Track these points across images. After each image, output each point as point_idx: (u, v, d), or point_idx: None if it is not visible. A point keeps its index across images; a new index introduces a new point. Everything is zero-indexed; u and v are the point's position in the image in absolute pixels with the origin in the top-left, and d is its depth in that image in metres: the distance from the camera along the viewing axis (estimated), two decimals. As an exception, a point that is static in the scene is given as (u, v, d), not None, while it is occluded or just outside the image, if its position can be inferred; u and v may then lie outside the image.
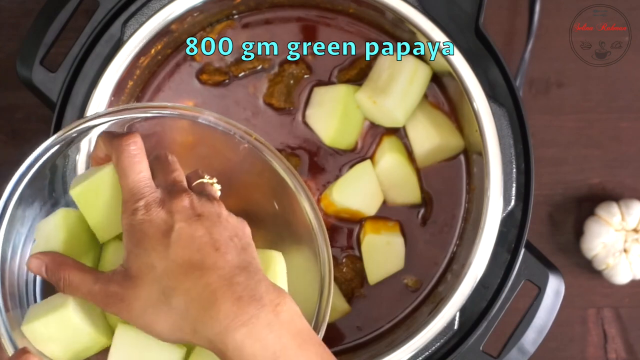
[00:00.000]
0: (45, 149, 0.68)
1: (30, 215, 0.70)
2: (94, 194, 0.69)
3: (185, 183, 0.69)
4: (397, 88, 0.84)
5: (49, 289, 0.69)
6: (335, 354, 0.86)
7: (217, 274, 0.64)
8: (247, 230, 0.68)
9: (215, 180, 0.71)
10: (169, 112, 0.69)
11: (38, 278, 0.72)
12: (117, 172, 0.68)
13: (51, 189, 0.72)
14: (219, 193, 0.70)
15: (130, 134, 0.68)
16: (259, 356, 0.63)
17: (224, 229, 0.66)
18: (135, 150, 0.68)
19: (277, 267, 0.70)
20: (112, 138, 0.68)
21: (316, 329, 0.70)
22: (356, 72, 0.87)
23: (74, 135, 0.68)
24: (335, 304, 0.85)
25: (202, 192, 0.68)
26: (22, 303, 0.71)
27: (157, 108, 0.69)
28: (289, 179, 0.70)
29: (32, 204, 0.70)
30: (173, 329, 0.65)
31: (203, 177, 0.70)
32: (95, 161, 0.71)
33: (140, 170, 0.68)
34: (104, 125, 0.69)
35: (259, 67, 0.87)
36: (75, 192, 0.68)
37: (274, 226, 0.74)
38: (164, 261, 0.65)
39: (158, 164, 0.70)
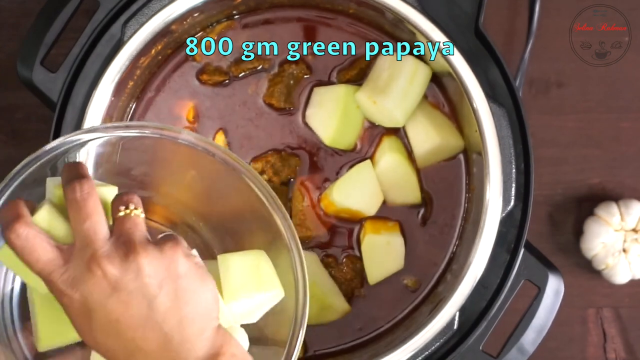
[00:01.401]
0: (10, 177, 0.66)
1: None
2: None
3: (98, 235, 0.62)
4: (397, 88, 0.84)
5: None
6: (335, 353, 0.87)
7: (143, 357, 0.61)
8: (175, 265, 0.62)
9: (133, 207, 0.64)
10: (149, 132, 0.69)
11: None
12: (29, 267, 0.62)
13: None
14: (141, 218, 0.64)
15: (21, 221, 0.61)
16: None
17: (144, 295, 0.61)
18: (29, 234, 0.61)
19: (262, 265, 0.71)
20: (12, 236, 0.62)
21: (295, 332, 0.69)
22: (356, 72, 0.87)
23: (43, 159, 0.66)
24: (335, 303, 0.85)
25: (120, 236, 0.62)
26: None
27: (137, 128, 0.69)
28: (265, 199, 0.71)
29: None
30: None
31: (126, 205, 0.64)
32: None
33: (39, 256, 0.61)
34: (81, 144, 0.68)
35: (259, 67, 0.87)
36: (1, 254, 0.64)
37: (262, 233, 0.74)
38: (94, 345, 0.62)
39: (69, 208, 0.63)
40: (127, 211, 0.63)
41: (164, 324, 0.61)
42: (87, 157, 0.71)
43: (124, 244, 0.62)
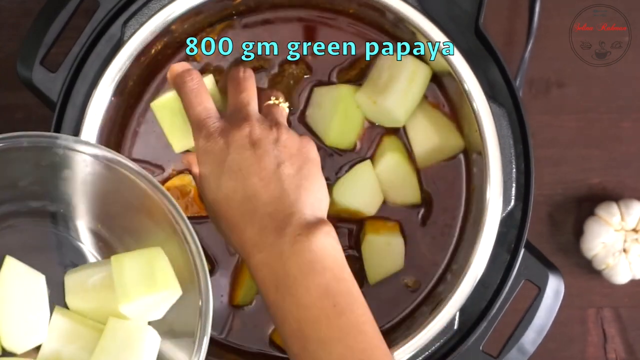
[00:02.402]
0: None
1: None
2: (169, 111, 0.77)
3: (251, 105, 0.75)
4: (397, 88, 0.84)
5: None
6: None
7: (254, 205, 0.71)
8: (307, 150, 0.74)
9: (281, 100, 0.78)
10: (26, 143, 0.72)
11: None
12: (187, 114, 0.76)
13: None
14: (286, 111, 0.78)
15: (187, 71, 0.76)
16: (266, 280, 0.70)
17: (276, 157, 0.72)
18: (193, 85, 0.75)
19: (156, 263, 0.73)
20: (173, 77, 0.76)
21: (202, 323, 0.71)
22: (356, 72, 0.87)
23: None
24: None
25: (268, 115, 0.75)
26: None
27: (10, 139, 0.71)
28: (150, 190, 0.73)
29: None
30: (227, 242, 0.76)
31: (271, 99, 0.77)
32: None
33: (200, 102, 0.75)
34: None
35: (259, 67, 0.87)
36: (154, 104, 0.78)
37: (158, 228, 0.76)
38: (214, 192, 0.73)
39: (230, 83, 0.77)
40: (277, 101, 0.78)
41: (284, 182, 0.72)
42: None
43: (271, 119, 0.75)
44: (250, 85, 0.76)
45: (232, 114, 0.75)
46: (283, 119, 0.76)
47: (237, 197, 0.72)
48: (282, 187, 0.72)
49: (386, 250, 0.85)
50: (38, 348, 0.74)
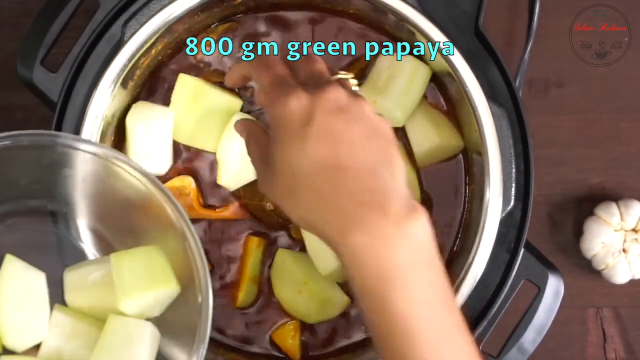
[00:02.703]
0: None
1: None
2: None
3: (328, 74, 0.69)
4: (396, 88, 0.84)
5: None
6: (336, 353, 0.87)
7: (347, 175, 0.64)
8: (389, 130, 0.67)
9: (351, 75, 0.72)
10: (27, 141, 0.72)
11: None
12: (258, 81, 0.70)
13: None
14: (356, 89, 0.71)
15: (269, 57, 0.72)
16: (367, 266, 0.62)
17: (364, 126, 0.66)
18: (275, 59, 0.70)
19: (154, 261, 0.73)
20: (251, 62, 0.72)
21: (202, 319, 0.70)
22: (356, 72, 0.87)
23: None
24: (333, 296, 0.85)
25: (345, 86, 0.68)
26: None
27: (10, 138, 0.71)
28: (149, 186, 0.72)
29: None
30: (302, 217, 0.66)
31: (340, 73, 0.71)
32: (229, 82, 0.76)
33: (281, 69, 0.69)
34: None
35: (259, 67, 0.87)
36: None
37: (157, 225, 0.75)
38: (299, 157, 0.65)
39: (301, 61, 0.71)
40: (346, 76, 0.72)
41: (376, 155, 0.65)
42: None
43: (350, 90, 0.68)
44: (320, 58, 0.71)
45: (309, 80, 0.68)
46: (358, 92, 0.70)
47: (327, 165, 0.64)
48: (376, 160, 0.65)
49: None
50: (39, 346, 0.74)
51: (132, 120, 0.83)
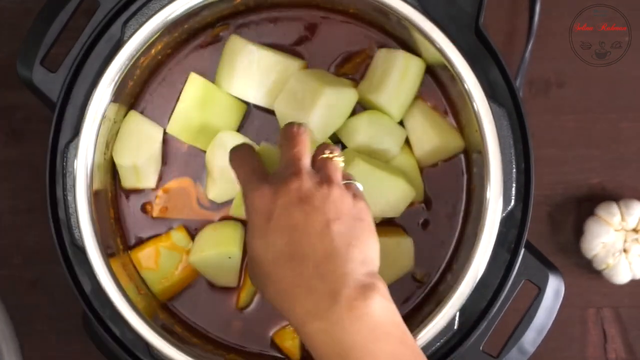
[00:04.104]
0: None
1: None
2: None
3: (302, 160, 0.71)
4: (390, 84, 0.84)
5: None
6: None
7: (302, 265, 0.67)
8: (359, 210, 0.70)
9: (336, 154, 0.73)
10: None
11: None
12: (235, 176, 0.75)
13: None
14: (341, 166, 0.73)
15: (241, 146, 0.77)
16: (326, 349, 0.66)
17: (326, 214, 0.68)
18: (249, 154, 0.75)
19: None
20: (232, 152, 0.76)
21: None
22: (351, 66, 0.87)
23: None
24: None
25: (321, 170, 0.72)
26: None
27: None
28: None
29: None
30: (269, 301, 0.70)
31: (325, 152, 0.73)
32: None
33: (253, 163, 0.74)
34: None
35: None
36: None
37: None
38: (261, 249, 0.69)
39: (284, 137, 0.73)
40: (331, 155, 0.73)
41: (334, 240, 0.67)
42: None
43: (323, 175, 0.71)
44: (303, 140, 0.73)
45: (283, 169, 0.71)
46: (336, 175, 0.71)
47: (285, 257, 0.68)
48: (332, 246, 0.67)
49: (396, 251, 0.85)
50: None
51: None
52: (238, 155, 0.76)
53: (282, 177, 0.70)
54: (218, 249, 0.83)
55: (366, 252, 0.68)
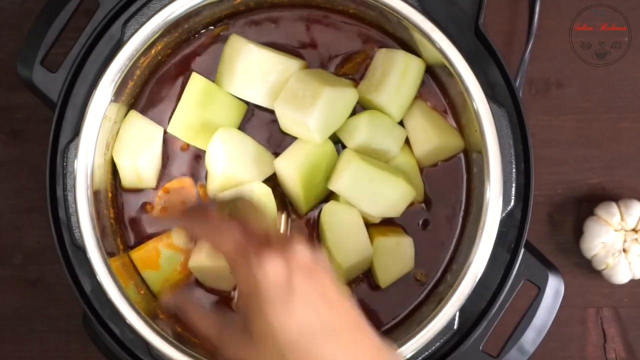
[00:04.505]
0: None
1: None
2: None
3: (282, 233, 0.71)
4: (389, 84, 0.84)
5: None
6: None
7: (336, 335, 0.64)
8: (325, 279, 0.66)
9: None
10: None
11: None
12: (219, 249, 0.68)
13: None
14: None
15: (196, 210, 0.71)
16: None
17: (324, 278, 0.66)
18: (234, 228, 0.68)
19: None
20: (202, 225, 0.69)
21: None
22: (351, 65, 0.87)
23: None
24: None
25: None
26: None
27: None
28: None
29: None
30: None
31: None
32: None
33: (237, 235, 0.67)
34: None
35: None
36: None
37: None
38: (285, 322, 0.64)
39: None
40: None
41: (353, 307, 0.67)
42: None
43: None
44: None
45: (276, 239, 0.67)
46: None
47: (317, 326, 0.64)
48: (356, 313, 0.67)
49: (397, 251, 0.85)
50: None
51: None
52: (214, 226, 0.68)
53: (282, 242, 0.66)
54: (218, 262, 0.82)
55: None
